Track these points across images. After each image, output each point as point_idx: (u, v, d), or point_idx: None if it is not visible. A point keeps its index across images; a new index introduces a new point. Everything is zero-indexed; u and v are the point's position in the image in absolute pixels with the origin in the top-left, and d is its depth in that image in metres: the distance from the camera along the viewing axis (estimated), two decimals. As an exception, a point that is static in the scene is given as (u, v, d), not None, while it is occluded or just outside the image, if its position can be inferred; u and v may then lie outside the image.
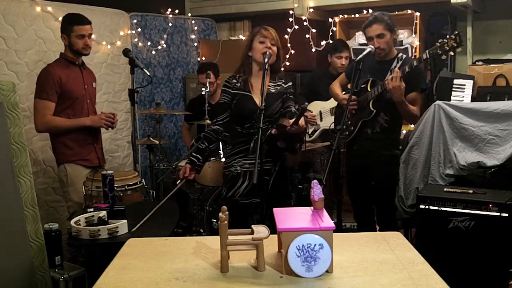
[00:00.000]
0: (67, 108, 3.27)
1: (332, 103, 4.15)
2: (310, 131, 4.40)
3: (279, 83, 3.01)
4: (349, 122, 3.32)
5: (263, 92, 2.69)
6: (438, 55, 2.95)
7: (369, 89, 3.20)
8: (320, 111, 4.37)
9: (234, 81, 2.96)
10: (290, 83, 3.06)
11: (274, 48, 2.88)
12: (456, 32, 2.89)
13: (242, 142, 2.95)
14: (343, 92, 3.49)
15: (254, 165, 2.39)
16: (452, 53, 2.95)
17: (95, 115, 3.39)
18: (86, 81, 3.40)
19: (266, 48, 2.84)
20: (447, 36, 2.91)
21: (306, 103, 3.06)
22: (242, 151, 2.94)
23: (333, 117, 4.18)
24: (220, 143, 3.60)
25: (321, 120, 4.37)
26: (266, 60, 2.80)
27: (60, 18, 3.47)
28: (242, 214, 2.89)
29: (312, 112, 4.29)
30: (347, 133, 3.33)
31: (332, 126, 4.09)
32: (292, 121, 2.69)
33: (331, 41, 4.77)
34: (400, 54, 3.21)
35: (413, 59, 3.09)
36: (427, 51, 2.98)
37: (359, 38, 4.64)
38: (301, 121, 2.71)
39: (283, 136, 2.88)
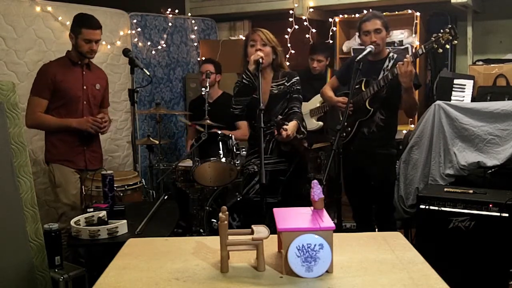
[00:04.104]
0: (60, 107, 3.24)
1: (311, 105, 4.19)
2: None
3: (282, 81, 2.99)
4: (345, 123, 3.32)
5: (259, 92, 2.66)
6: (435, 49, 2.96)
7: (363, 89, 3.21)
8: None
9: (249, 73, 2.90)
10: (294, 80, 3.01)
11: (266, 49, 2.86)
12: (450, 25, 2.92)
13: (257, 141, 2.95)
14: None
15: (260, 165, 2.38)
16: (448, 46, 2.96)
17: (82, 118, 3.28)
18: (87, 82, 3.34)
19: (256, 53, 2.81)
20: (441, 30, 2.93)
21: (280, 117, 3.00)
22: (258, 151, 2.93)
23: (312, 118, 4.20)
24: (220, 143, 3.60)
25: None
26: (260, 68, 2.74)
27: (60, 18, 3.47)
28: (257, 213, 2.89)
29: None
30: (344, 134, 3.33)
31: (313, 128, 4.10)
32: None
33: (331, 41, 4.77)
34: (391, 54, 3.23)
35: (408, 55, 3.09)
36: (422, 46, 3.01)
37: (360, 38, 4.64)
38: (290, 131, 2.71)
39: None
